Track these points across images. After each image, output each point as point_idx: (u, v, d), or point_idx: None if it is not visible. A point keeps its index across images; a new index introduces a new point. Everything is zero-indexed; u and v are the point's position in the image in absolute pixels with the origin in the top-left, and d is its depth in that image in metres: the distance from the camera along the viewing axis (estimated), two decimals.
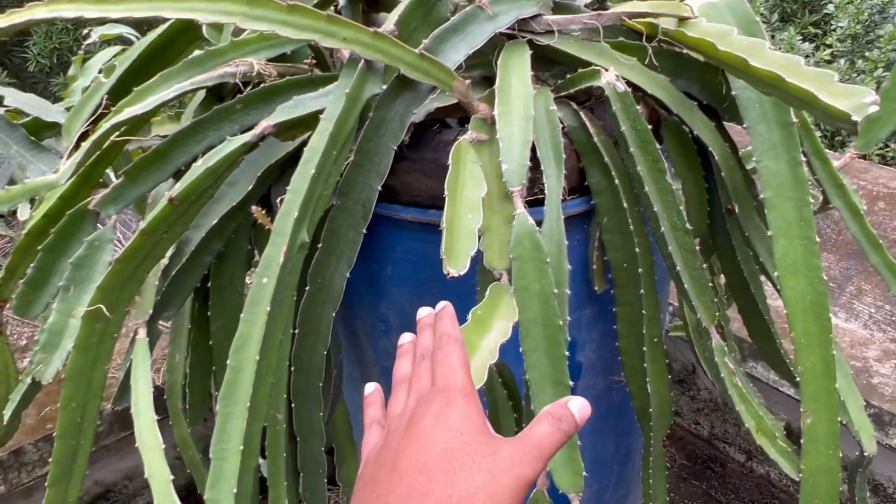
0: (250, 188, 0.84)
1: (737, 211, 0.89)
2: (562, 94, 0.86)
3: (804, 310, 0.83)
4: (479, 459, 0.47)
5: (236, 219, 0.87)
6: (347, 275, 0.83)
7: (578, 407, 0.53)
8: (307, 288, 0.83)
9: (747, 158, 0.99)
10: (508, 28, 0.84)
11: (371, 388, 0.66)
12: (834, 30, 2.65)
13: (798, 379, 0.85)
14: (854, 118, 0.64)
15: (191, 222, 0.80)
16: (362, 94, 0.76)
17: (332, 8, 1.01)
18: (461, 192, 0.73)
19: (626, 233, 0.85)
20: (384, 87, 0.77)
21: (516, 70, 0.80)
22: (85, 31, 1.48)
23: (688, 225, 0.84)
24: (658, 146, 0.82)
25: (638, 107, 0.86)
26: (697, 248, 0.86)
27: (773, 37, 2.76)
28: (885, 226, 1.83)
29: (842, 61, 2.56)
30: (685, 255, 0.85)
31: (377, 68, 0.78)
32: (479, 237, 0.76)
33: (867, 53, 2.53)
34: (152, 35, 0.96)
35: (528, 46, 0.83)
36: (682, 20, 0.83)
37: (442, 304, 0.65)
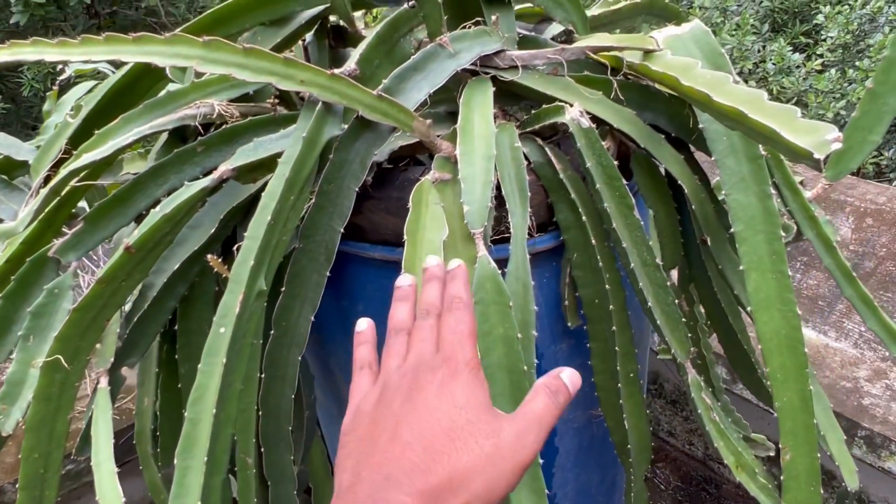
0: (213, 231, 0.83)
1: (710, 243, 0.88)
2: (528, 129, 0.85)
3: (779, 344, 0.82)
4: (483, 441, 0.47)
5: (200, 262, 0.85)
6: (312, 318, 0.82)
7: (570, 377, 0.54)
8: (272, 332, 0.82)
9: (719, 189, 0.98)
10: (472, 64, 0.83)
11: (364, 324, 0.63)
12: (824, 40, 2.66)
13: (776, 415, 0.84)
14: (816, 156, 0.63)
15: (151, 269, 0.79)
16: (320, 136, 0.74)
17: (301, 42, 1.01)
18: (422, 234, 0.72)
19: (596, 269, 0.84)
20: (344, 128, 0.76)
21: (478, 108, 0.79)
22: (59, 66, 1.47)
23: (658, 260, 0.82)
24: (625, 181, 0.80)
25: (605, 141, 0.85)
26: (669, 282, 0.84)
27: (763, 47, 2.76)
28: (874, 242, 1.81)
29: (833, 71, 2.56)
30: (656, 290, 0.83)
31: (336, 110, 0.77)
32: None
33: (858, 63, 2.53)
34: (117, 75, 0.95)
35: (491, 83, 0.82)
36: (648, 53, 0.82)
37: (456, 261, 0.62)
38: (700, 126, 0.81)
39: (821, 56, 2.68)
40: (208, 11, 0.90)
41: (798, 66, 2.68)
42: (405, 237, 0.71)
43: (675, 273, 1.06)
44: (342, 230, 0.79)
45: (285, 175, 0.71)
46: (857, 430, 1.52)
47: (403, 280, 0.64)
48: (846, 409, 1.55)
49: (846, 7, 2.63)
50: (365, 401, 0.53)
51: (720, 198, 0.92)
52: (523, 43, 0.91)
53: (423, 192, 0.75)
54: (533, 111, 0.84)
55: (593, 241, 0.81)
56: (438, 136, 0.83)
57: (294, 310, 0.81)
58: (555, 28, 0.99)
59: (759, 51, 2.76)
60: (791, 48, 2.73)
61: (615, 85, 0.82)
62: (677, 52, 0.82)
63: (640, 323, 1.06)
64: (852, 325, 1.74)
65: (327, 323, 1.04)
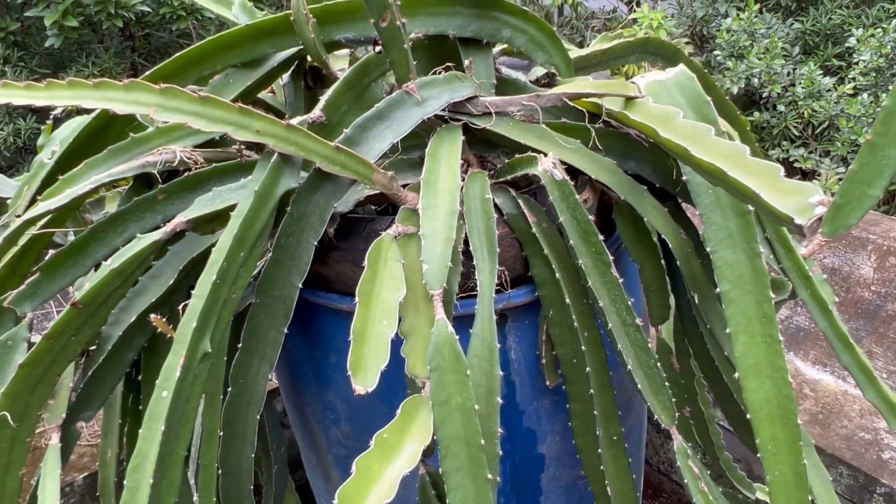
0: (173, 281, 0.80)
1: (696, 301, 0.82)
2: (501, 179, 0.80)
3: (770, 414, 0.76)
4: None
5: (161, 311, 0.82)
6: (270, 376, 0.78)
7: None
8: (229, 389, 0.78)
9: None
10: (443, 111, 0.79)
11: None
12: (857, 63, 2.57)
13: (768, 489, 0.77)
14: (798, 221, 0.58)
15: (103, 322, 0.76)
16: (274, 189, 0.71)
17: (279, 82, 0.98)
18: (377, 295, 0.68)
19: (572, 328, 0.79)
20: (303, 179, 0.73)
21: (445, 158, 0.75)
22: None
23: (639, 320, 0.77)
24: (601, 237, 0.75)
25: (584, 192, 0.80)
26: (651, 342, 0.79)
27: (794, 70, 2.68)
28: None
29: (865, 95, 2.47)
30: (637, 352, 0.78)
31: (295, 160, 0.73)
32: (403, 341, 0.71)
33: (891, 87, 2.43)
34: (90, 116, 0.93)
35: (461, 131, 0.78)
36: (629, 100, 0.78)
37: None
38: (684, 178, 0.76)
39: (853, 80, 2.59)
40: (180, 53, 0.88)
41: (829, 90, 2.60)
42: (357, 298, 0.67)
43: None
44: (301, 285, 0.75)
45: (234, 230, 0.67)
46: (876, 487, 1.43)
47: None
48: (864, 462, 1.46)
49: (879, 30, 2.54)
50: None
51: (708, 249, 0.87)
52: (502, 86, 0.87)
53: (383, 248, 0.71)
54: (506, 161, 0.80)
55: (567, 300, 0.76)
56: (405, 185, 0.79)
57: (252, 367, 0.77)
58: (539, 70, 0.95)
59: (788, 74, 2.68)
60: (822, 72, 2.64)
61: (593, 133, 0.78)
62: (660, 100, 0.77)
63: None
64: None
65: (302, 373, 1.00)
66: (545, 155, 0.76)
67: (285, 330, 0.77)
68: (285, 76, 0.96)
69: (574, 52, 0.96)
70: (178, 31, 3.28)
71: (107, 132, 0.93)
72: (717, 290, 0.75)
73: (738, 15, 2.88)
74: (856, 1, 2.92)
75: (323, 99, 0.79)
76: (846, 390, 1.66)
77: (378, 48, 0.79)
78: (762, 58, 2.69)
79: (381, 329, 0.66)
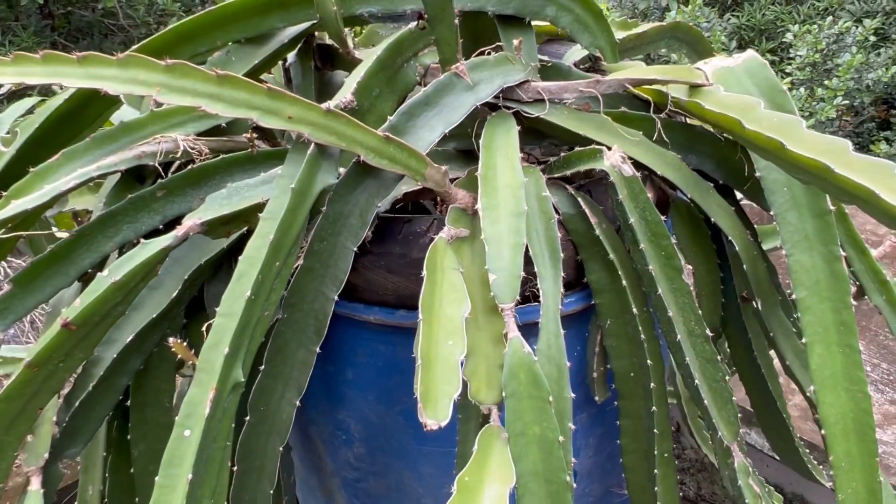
0: (177, 293, 0.68)
1: (759, 307, 0.76)
2: (556, 174, 0.72)
3: (845, 429, 0.70)
4: None
5: (160, 329, 0.70)
6: (297, 402, 0.67)
7: None
8: (247, 418, 0.67)
9: (764, 236, 0.86)
10: (493, 96, 0.70)
11: None
12: (792, 58, 2.62)
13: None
14: None
15: (96, 345, 0.64)
16: (312, 187, 0.60)
17: (280, 63, 0.86)
18: (439, 309, 0.58)
19: (635, 340, 0.71)
20: (340, 174, 0.62)
21: (503, 151, 0.66)
22: None
23: (708, 331, 0.70)
24: (672, 239, 0.68)
25: (646, 188, 0.72)
26: (720, 356, 0.72)
27: None
28: None
29: (801, 89, 2.51)
30: (704, 365, 0.71)
31: (331, 152, 0.63)
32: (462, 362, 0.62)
33: (826, 82, 2.49)
34: (61, 97, 0.79)
35: (514, 120, 0.69)
36: (695, 88, 0.71)
37: None
38: (757, 174, 0.69)
39: (789, 74, 2.63)
40: (171, 26, 0.75)
41: None
42: (420, 314, 0.57)
43: None
44: (336, 297, 0.65)
45: (270, 235, 0.56)
46: None
47: None
48: None
49: (815, 26, 2.59)
50: None
51: (766, 247, 0.81)
52: (546, 71, 0.78)
53: (438, 254, 0.61)
54: (561, 153, 0.72)
55: (634, 310, 0.69)
56: (452, 181, 0.69)
57: (275, 392, 0.67)
58: (576, 52, 0.87)
59: None
60: None
61: (658, 125, 0.70)
62: (730, 88, 0.70)
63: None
64: None
65: (310, 389, 0.89)
66: (609, 148, 0.68)
67: (317, 349, 0.66)
68: (291, 55, 0.84)
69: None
70: (102, 10, 3.04)
71: (81, 116, 0.80)
72: (793, 296, 0.69)
73: (680, 7, 2.89)
74: None
75: (353, 81, 0.69)
76: None
77: (420, 23, 0.69)
78: None
79: (448, 351, 0.56)
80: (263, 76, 0.89)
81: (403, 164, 0.61)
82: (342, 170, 0.63)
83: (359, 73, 0.69)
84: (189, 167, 0.69)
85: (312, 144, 0.60)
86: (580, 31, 0.78)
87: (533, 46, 0.77)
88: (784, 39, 2.71)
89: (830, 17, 2.65)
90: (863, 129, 2.72)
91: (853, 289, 0.80)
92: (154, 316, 0.68)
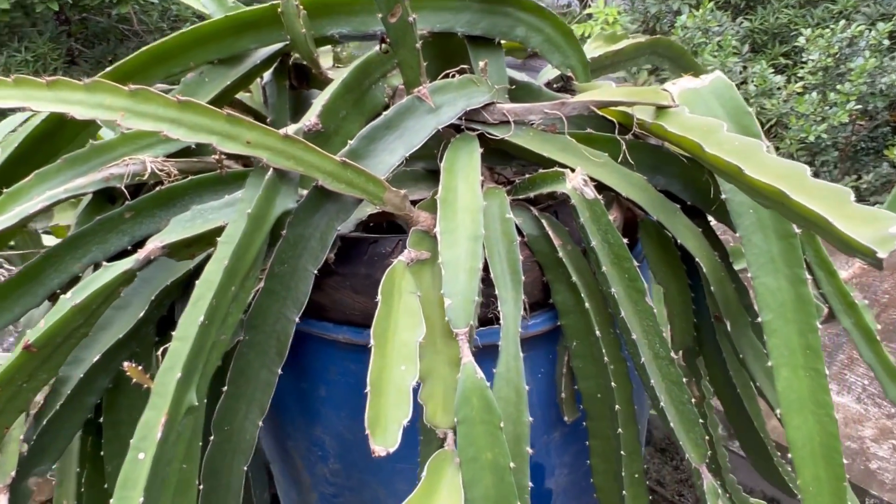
0: (144, 312, 0.69)
1: (729, 329, 0.75)
2: (520, 196, 0.72)
3: (813, 453, 0.70)
4: None
5: (128, 348, 0.71)
6: (260, 423, 0.68)
7: None
8: (212, 438, 0.68)
9: (737, 256, 0.86)
10: (457, 118, 0.71)
11: None
12: (805, 62, 2.60)
13: None
14: (880, 254, 0.51)
15: (60, 366, 0.65)
16: (270, 211, 0.61)
17: (259, 80, 0.87)
18: (393, 335, 0.58)
19: (600, 361, 0.71)
20: (301, 198, 0.63)
21: (464, 174, 0.66)
22: None
23: (673, 354, 0.70)
24: (634, 262, 0.68)
25: (611, 211, 0.72)
26: (685, 378, 0.72)
27: (745, 68, 2.69)
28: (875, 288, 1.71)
29: (814, 94, 2.49)
30: (670, 387, 0.71)
31: (292, 176, 0.63)
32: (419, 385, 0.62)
33: (839, 86, 2.46)
34: (37, 119, 0.80)
35: (477, 142, 0.69)
36: (661, 109, 0.70)
37: None
38: (722, 196, 0.69)
39: (801, 78, 2.61)
40: (145, 48, 0.76)
41: (779, 88, 2.61)
42: (372, 340, 0.57)
43: None
44: (297, 319, 0.66)
45: (224, 260, 0.57)
46: (865, 499, 1.41)
47: None
48: (852, 473, 1.44)
49: (827, 30, 2.57)
50: None
51: (738, 267, 0.80)
52: (515, 91, 0.79)
53: (396, 278, 0.62)
54: (527, 175, 0.72)
55: (597, 332, 0.69)
56: (416, 202, 0.70)
57: (239, 412, 0.67)
58: (550, 71, 0.87)
59: (740, 72, 2.69)
60: (772, 70, 2.66)
61: (624, 146, 0.70)
62: (696, 110, 0.70)
63: (643, 411, 0.93)
64: (855, 378, 1.63)
65: (285, 405, 0.90)
66: (572, 170, 0.68)
67: (279, 371, 0.67)
68: (266, 74, 0.85)
69: (586, 53, 0.88)
70: (117, 16, 3.08)
71: (58, 136, 0.81)
72: (759, 318, 0.68)
73: (692, 12, 2.87)
74: (801, 1, 2.94)
75: (318, 104, 0.69)
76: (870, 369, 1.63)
77: (384, 46, 0.70)
78: (717, 55, 2.68)
79: (401, 376, 0.57)
80: (242, 95, 0.90)
81: (361, 188, 0.62)
82: (306, 192, 0.64)
83: (324, 96, 0.70)
84: (157, 188, 0.70)
85: (271, 169, 0.61)
86: (551, 51, 0.78)
87: (502, 67, 0.77)
88: (797, 43, 2.69)
89: (844, 21, 2.62)
90: (877, 134, 2.69)
91: (825, 310, 0.79)
92: (121, 336, 0.69)
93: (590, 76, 0.81)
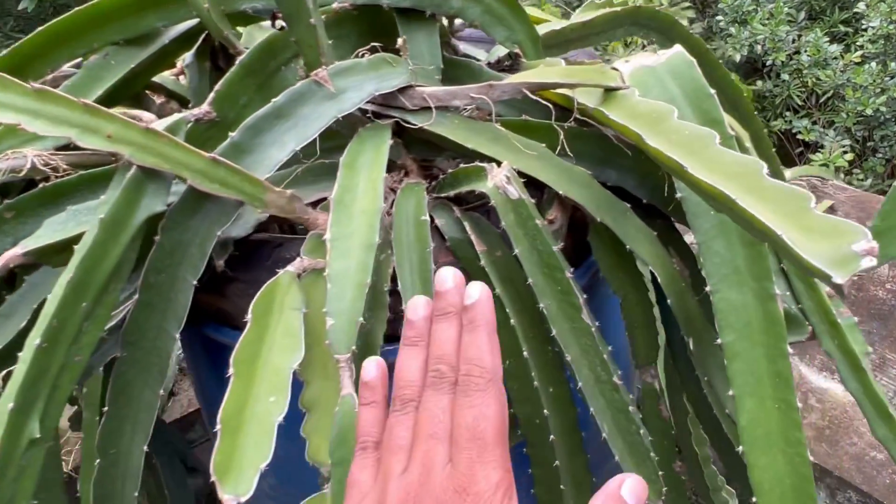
0: (25, 322, 0.63)
1: (691, 347, 0.65)
2: (443, 194, 0.63)
3: (782, 498, 0.59)
4: None
5: (11, 360, 0.65)
6: (145, 448, 0.61)
7: (632, 490, 0.39)
8: (97, 462, 0.61)
9: None
10: (369, 103, 0.61)
11: (372, 371, 0.44)
12: (865, 30, 2.40)
13: None
14: (837, 280, 0.41)
15: None
16: (132, 215, 0.53)
17: (178, 65, 0.79)
18: (264, 361, 0.50)
19: (533, 384, 0.62)
20: (171, 201, 0.55)
21: (367, 171, 0.57)
22: None
23: (616, 379, 0.60)
24: (570, 272, 0.58)
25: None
26: (632, 406, 0.62)
27: (799, 37, 2.49)
28: None
29: (873, 64, 2.30)
30: (616, 415, 0.61)
31: (165, 175, 0.55)
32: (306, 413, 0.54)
33: None
34: None
35: (389, 132, 0.60)
36: (609, 91, 0.60)
37: (478, 289, 0.42)
38: (678, 195, 0.59)
39: (861, 47, 2.41)
40: (42, 28, 0.69)
41: (835, 58, 2.42)
42: (232, 368, 0.49)
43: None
44: (178, 335, 0.58)
45: (70, 274, 0.50)
46: None
47: (416, 310, 0.44)
48: (876, 487, 1.31)
49: None
50: None
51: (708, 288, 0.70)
52: (452, 70, 0.69)
53: (278, 293, 0.54)
54: (449, 171, 0.62)
55: (524, 352, 0.59)
56: (322, 200, 0.61)
57: (124, 435, 0.60)
58: (501, 48, 0.76)
59: (793, 41, 2.50)
60: (828, 39, 2.46)
61: (562, 135, 0.60)
62: (649, 92, 0.59)
63: None
64: (888, 381, 1.49)
65: (213, 395, 0.84)
66: (499, 164, 0.58)
67: (161, 391, 0.60)
68: (188, 55, 0.77)
69: (547, 27, 0.77)
70: None
71: None
72: (719, 340, 0.58)
73: None
74: None
75: (218, 85, 0.61)
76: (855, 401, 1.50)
77: (279, 23, 0.61)
78: (767, 23, 2.49)
79: (266, 410, 0.49)
80: (167, 78, 0.83)
81: (237, 188, 0.53)
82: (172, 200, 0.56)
83: (225, 78, 0.62)
84: (41, 186, 0.64)
85: (133, 167, 0.53)
86: (493, 25, 0.68)
87: (435, 43, 0.67)
88: (857, 9, 2.48)
89: None
90: None
91: (809, 328, 0.68)
92: (2, 346, 0.62)
93: (541, 53, 0.71)
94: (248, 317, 0.51)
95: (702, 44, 0.92)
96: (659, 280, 0.62)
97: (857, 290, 1.61)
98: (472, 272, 0.62)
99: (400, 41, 0.62)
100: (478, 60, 0.71)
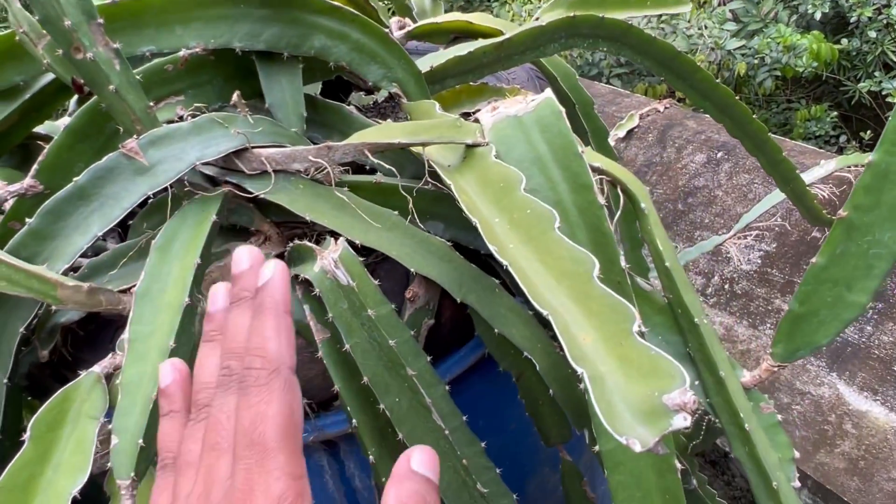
0: None
1: (587, 443, 0.55)
2: (290, 268, 0.55)
3: None
4: None
5: None
6: None
7: (423, 463, 0.34)
8: None
9: None
10: (210, 167, 0.54)
11: (168, 375, 0.40)
12: None
13: None
14: (638, 447, 0.31)
15: None
16: None
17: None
18: (43, 488, 0.45)
19: None
20: None
21: (181, 256, 0.50)
22: None
23: (480, 486, 0.51)
24: (410, 370, 0.49)
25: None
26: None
27: None
28: None
29: None
30: None
31: None
32: None
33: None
34: None
35: (217, 205, 0.53)
36: (470, 148, 0.50)
37: (273, 266, 0.37)
38: None
39: None
40: None
41: None
42: None
43: None
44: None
45: None
46: None
47: (215, 300, 0.40)
48: None
49: None
50: None
51: None
52: (321, 116, 0.61)
53: (76, 399, 0.48)
54: (290, 246, 0.54)
55: (371, 457, 0.52)
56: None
57: None
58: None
59: None
60: None
61: (411, 203, 0.51)
62: (512, 150, 0.49)
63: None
64: None
65: None
66: (336, 240, 0.50)
67: None
68: (72, 102, 0.72)
69: (453, 52, 0.67)
70: None
71: None
72: (596, 447, 0.49)
73: None
74: None
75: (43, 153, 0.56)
76: None
77: (85, 90, 0.54)
78: None
79: None
80: (59, 124, 0.78)
81: (25, 286, 0.48)
82: None
83: (51, 145, 0.56)
84: None
85: None
86: (365, 64, 0.59)
87: (297, 89, 0.59)
88: None
89: None
90: None
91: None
92: None
93: (426, 90, 0.61)
94: (27, 434, 0.46)
95: (669, 48, 0.80)
96: (538, 369, 0.53)
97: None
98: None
99: (234, 97, 0.54)
100: (345, 108, 0.61)
